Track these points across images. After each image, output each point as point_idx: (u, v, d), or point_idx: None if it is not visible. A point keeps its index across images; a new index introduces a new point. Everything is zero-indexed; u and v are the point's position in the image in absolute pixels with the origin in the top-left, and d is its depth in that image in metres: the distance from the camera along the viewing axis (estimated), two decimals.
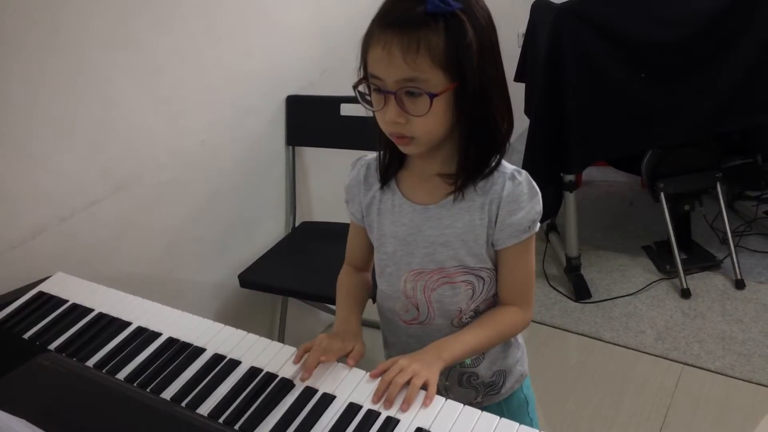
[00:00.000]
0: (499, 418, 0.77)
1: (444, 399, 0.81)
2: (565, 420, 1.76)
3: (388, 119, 0.81)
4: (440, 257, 0.92)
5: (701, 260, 2.29)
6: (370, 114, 0.89)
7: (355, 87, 0.85)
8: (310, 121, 1.89)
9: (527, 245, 0.91)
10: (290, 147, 1.92)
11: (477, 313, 0.96)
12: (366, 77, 0.83)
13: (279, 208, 1.94)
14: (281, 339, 1.89)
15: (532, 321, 2.08)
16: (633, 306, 2.16)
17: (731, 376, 1.82)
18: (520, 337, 1.05)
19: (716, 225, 2.37)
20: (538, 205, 0.89)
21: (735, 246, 2.21)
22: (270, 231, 1.90)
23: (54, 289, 1.15)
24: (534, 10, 2.26)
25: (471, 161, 0.86)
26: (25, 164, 1.25)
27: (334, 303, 1.67)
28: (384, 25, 0.78)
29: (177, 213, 1.59)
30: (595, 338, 2.04)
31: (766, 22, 1.94)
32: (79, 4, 1.29)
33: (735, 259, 2.18)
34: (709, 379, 1.83)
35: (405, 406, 0.79)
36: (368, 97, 0.85)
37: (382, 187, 0.95)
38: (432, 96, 0.78)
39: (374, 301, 1.08)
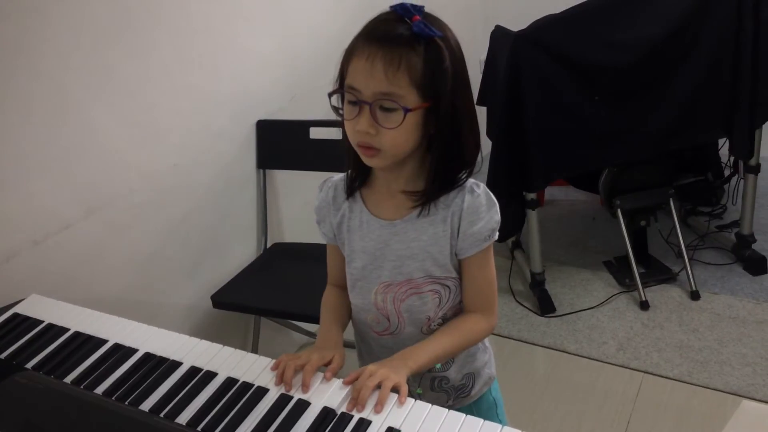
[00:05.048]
0: (465, 415, 0.82)
1: (414, 400, 0.85)
2: (533, 430, 1.81)
3: (359, 128, 0.86)
4: (408, 269, 0.97)
5: (658, 273, 2.39)
6: (340, 137, 0.94)
7: (330, 95, 0.89)
8: (280, 144, 1.94)
9: (487, 254, 0.97)
10: (261, 170, 1.96)
11: (445, 320, 1.01)
12: (342, 87, 0.88)
13: (250, 230, 1.97)
14: None
15: (500, 335, 2.18)
16: (595, 318, 2.24)
17: (689, 383, 1.91)
18: (487, 341, 1.10)
19: (671, 239, 2.48)
20: (497, 215, 0.95)
21: (689, 259, 2.32)
22: (242, 252, 1.93)
23: (29, 310, 1.16)
24: (493, 37, 2.37)
25: (438, 179, 0.92)
26: None
27: (307, 321, 1.71)
28: (369, 39, 0.84)
29: (149, 236, 1.61)
30: (560, 350, 2.11)
31: (709, 47, 2.07)
32: (53, 30, 1.32)
33: (690, 272, 2.29)
34: (668, 386, 1.91)
35: (379, 408, 0.83)
36: (341, 111, 0.90)
37: (348, 198, 1.00)
38: (407, 110, 0.84)
39: None
